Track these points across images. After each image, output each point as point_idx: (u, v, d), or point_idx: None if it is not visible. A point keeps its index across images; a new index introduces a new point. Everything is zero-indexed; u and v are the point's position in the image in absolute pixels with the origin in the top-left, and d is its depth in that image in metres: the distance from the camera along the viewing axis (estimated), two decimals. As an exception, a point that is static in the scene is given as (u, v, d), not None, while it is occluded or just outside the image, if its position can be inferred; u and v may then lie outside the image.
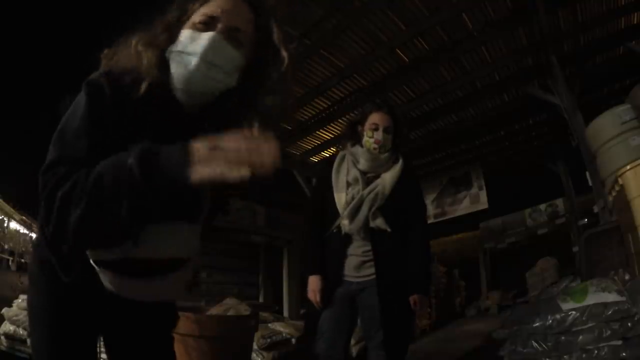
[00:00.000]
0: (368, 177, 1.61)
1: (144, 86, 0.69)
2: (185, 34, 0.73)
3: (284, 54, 0.79)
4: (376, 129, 1.59)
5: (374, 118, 1.61)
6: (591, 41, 3.65)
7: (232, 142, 0.55)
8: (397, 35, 3.43)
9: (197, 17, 0.74)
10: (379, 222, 1.53)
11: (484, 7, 3.18)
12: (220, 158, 0.54)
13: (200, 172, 0.54)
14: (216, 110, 0.77)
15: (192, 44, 0.71)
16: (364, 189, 1.57)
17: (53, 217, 0.58)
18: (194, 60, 0.70)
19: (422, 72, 3.92)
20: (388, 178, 1.58)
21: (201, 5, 0.76)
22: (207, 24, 0.73)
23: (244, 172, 0.53)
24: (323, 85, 4.05)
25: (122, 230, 0.59)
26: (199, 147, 0.56)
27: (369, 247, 1.55)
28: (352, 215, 1.55)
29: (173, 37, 0.74)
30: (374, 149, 1.59)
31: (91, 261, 0.68)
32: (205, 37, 0.71)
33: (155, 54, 0.72)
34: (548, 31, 3.34)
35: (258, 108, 0.78)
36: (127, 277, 0.69)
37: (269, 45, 0.80)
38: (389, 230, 1.53)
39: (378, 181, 1.59)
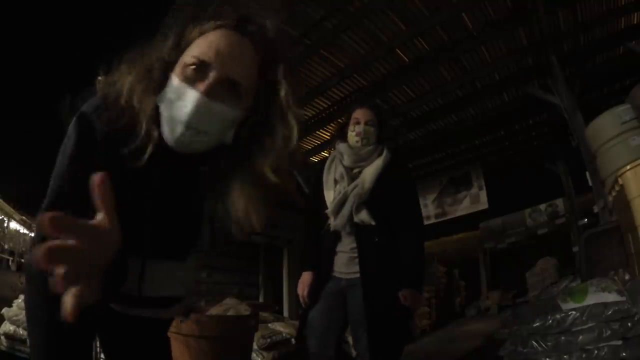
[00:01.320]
0: (353, 173, 1.62)
1: (148, 149, 0.63)
2: (174, 83, 0.63)
3: (292, 117, 0.68)
4: (358, 123, 1.63)
5: (357, 114, 1.65)
6: (591, 41, 3.65)
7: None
8: (397, 35, 3.42)
9: (188, 56, 0.64)
10: (362, 216, 1.52)
11: (484, 7, 3.18)
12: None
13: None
14: (211, 159, 0.70)
15: (177, 103, 0.62)
16: (348, 184, 1.58)
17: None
18: (179, 128, 0.63)
19: (422, 72, 3.91)
20: (369, 172, 1.59)
21: (200, 33, 0.66)
22: (197, 70, 0.63)
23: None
24: (323, 85, 4.05)
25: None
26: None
27: (356, 244, 1.54)
28: (337, 211, 1.56)
29: (168, 73, 0.65)
30: (356, 141, 1.61)
31: None
32: (191, 99, 0.61)
33: (152, 104, 0.64)
34: (548, 31, 3.34)
35: (253, 168, 0.68)
36: (124, 305, 0.73)
37: (274, 101, 0.68)
38: (373, 223, 1.52)
39: (361, 176, 1.60)
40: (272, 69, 0.68)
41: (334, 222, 1.56)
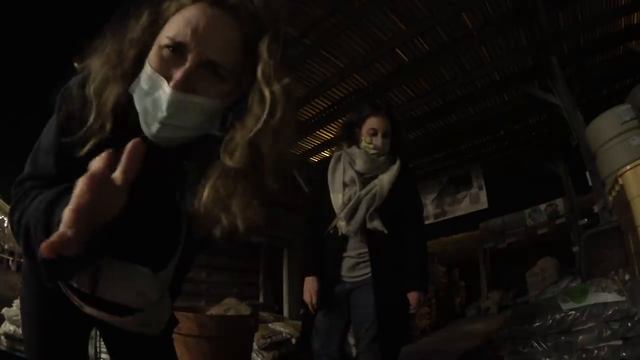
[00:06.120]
0: (365, 178, 1.60)
1: (91, 142, 0.58)
2: (147, 71, 0.57)
3: (268, 95, 0.58)
4: (374, 134, 1.58)
5: (372, 122, 1.59)
6: (591, 41, 3.65)
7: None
8: (397, 35, 3.42)
9: (163, 37, 0.57)
10: (376, 224, 1.52)
11: (484, 6, 3.18)
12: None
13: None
14: (196, 151, 0.61)
15: (150, 97, 0.56)
16: (361, 189, 1.56)
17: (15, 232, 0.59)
18: (154, 126, 0.57)
19: (422, 72, 3.92)
20: (386, 179, 1.57)
21: (176, 9, 0.58)
22: (173, 53, 0.56)
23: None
24: (323, 85, 4.04)
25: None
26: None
27: (364, 249, 1.54)
28: (350, 217, 1.54)
29: (142, 57, 0.59)
30: (373, 153, 1.58)
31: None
32: (164, 96, 0.55)
33: (117, 94, 0.58)
34: (548, 31, 3.34)
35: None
36: (85, 302, 0.63)
37: (254, 79, 0.59)
38: (385, 232, 1.52)
39: (375, 182, 1.57)
40: (257, 44, 0.59)
41: (346, 228, 1.54)
